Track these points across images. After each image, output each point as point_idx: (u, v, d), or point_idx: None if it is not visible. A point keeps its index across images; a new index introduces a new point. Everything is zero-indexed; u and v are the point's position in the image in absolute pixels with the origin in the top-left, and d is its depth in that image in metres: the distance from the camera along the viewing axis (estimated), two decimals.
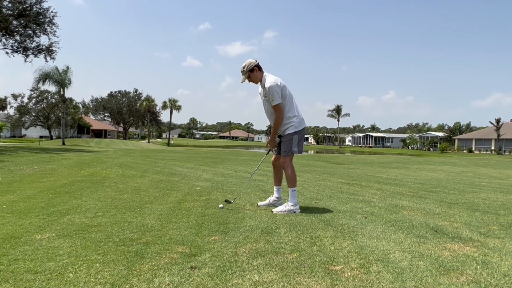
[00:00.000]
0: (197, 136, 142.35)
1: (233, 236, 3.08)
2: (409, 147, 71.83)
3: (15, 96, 53.43)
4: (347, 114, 78.98)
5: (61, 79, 30.83)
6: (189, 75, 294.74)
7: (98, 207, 4.24)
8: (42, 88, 47.22)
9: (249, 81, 4.14)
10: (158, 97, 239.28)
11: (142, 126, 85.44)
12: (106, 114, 73.35)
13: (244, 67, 4.07)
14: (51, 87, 32.37)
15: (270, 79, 4.06)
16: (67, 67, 31.13)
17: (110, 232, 3.17)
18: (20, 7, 19.82)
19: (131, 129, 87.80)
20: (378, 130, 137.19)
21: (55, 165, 9.61)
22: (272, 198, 4.45)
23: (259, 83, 4.17)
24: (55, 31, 21.68)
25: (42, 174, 7.71)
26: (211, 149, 37.15)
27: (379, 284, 2.19)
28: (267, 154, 4.67)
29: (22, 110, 52.93)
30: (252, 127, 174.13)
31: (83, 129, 64.21)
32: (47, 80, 30.51)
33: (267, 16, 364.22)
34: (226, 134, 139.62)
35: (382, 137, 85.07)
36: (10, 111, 58.65)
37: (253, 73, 4.07)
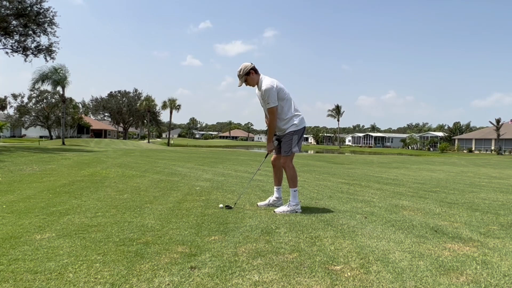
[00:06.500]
0: (197, 136, 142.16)
1: (233, 236, 3.08)
2: (409, 147, 71.82)
3: (15, 96, 53.43)
4: (342, 112, 79.34)
5: (60, 79, 30.77)
6: (189, 74, 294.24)
7: (98, 207, 4.24)
8: (42, 88, 47.30)
9: (246, 84, 4.20)
10: (158, 97, 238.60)
11: (142, 126, 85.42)
12: (106, 114, 73.35)
13: (240, 71, 4.13)
14: (49, 87, 32.23)
15: (266, 81, 4.09)
16: (63, 66, 31.05)
17: (110, 232, 3.17)
18: (19, 6, 19.80)
19: (131, 129, 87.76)
20: (378, 130, 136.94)
21: (55, 165, 9.61)
22: (272, 198, 4.46)
23: (256, 85, 4.22)
24: (55, 31, 21.71)
25: (42, 174, 7.71)
26: (211, 149, 37.16)
27: (379, 284, 2.19)
28: (266, 157, 4.67)
29: (22, 110, 52.92)
30: (252, 127, 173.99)
31: (83, 129, 64.20)
32: (46, 81, 30.47)
33: (268, 15, 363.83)
34: (226, 134, 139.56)
35: (382, 137, 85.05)
36: (10, 111, 58.66)
37: (249, 76, 4.12)
